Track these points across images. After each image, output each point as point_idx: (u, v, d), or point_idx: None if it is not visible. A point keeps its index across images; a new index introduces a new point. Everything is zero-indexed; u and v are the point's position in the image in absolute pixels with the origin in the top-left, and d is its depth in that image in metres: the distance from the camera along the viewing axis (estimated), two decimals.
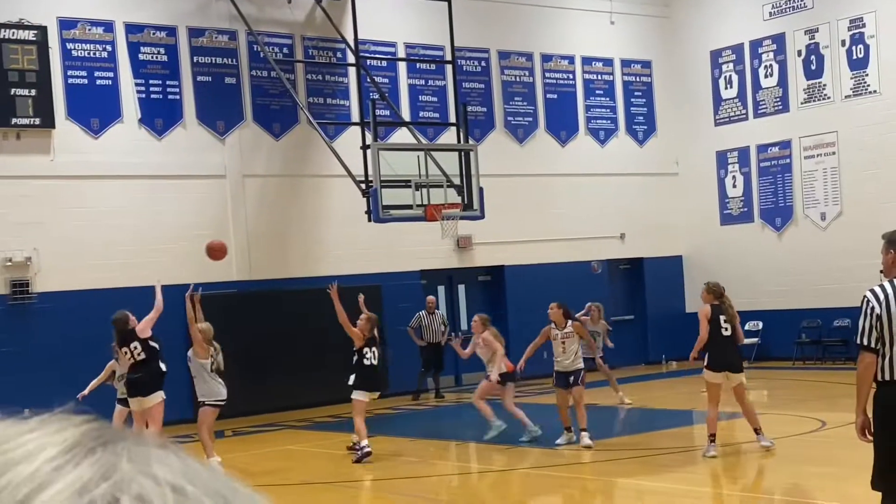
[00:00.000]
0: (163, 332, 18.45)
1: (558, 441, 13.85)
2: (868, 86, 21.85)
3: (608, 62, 24.57)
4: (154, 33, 19.00)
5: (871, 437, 6.62)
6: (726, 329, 12.42)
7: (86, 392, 13.35)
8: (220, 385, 12.88)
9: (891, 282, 6.58)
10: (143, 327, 12.61)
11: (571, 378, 13.69)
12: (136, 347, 12.51)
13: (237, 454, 15.20)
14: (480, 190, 18.18)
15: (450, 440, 15.81)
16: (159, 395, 12.53)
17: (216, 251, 13.86)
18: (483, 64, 22.74)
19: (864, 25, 21.86)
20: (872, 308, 6.48)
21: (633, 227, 24.49)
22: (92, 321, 17.92)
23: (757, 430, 12.44)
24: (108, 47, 18.55)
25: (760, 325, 23.42)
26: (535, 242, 23.01)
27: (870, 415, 6.63)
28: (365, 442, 13.41)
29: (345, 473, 13.43)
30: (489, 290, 22.92)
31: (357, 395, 13.69)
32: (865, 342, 6.51)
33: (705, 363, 12.49)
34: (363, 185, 17.62)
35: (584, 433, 13.51)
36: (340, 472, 13.56)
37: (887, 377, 6.49)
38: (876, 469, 6.61)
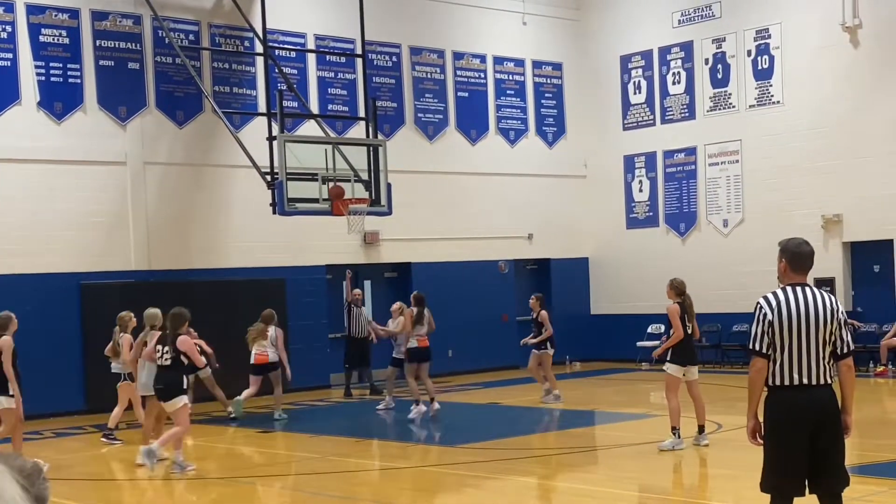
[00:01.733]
0: (61, 326, 18.03)
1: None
2: (772, 96, 22.20)
3: (520, 63, 24.60)
4: (56, 15, 18.47)
5: (761, 441, 6.70)
6: (689, 326, 12.92)
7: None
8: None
9: (783, 289, 6.66)
10: (191, 346, 12.58)
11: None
12: (167, 352, 12.47)
13: (132, 447, 14.83)
14: (388, 186, 18.04)
15: (350, 437, 15.61)
16: (182, 400, 12.49)
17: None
18: (394, 59, 22.58)
19: (769, 36, 22.21)
20: (765, 314, 6.57)
21: (540, 228, 24.56)
22: None
23: (701, 428, 12.73)
24: (8, 28, 17.98)
25: (662, 327, 23.60)
26: (442, 240, 22.93)
27: (761, 419, 6.71)
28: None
29: (243, 469, 13.18)
30: (396, 287, 22.76)
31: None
32: (757, 347, 6.60)
33: (668, 358, 12.85)
34: (269, 177, 17.34)
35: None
36: (239, 466, 13.30)
37: (778, 382, 6.58)
38: (765, 472, 6.70)
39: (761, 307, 6.61)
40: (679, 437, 12.64)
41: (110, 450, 14.81)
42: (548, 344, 17.60)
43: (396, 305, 17.42)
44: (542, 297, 18.14)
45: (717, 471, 11.70)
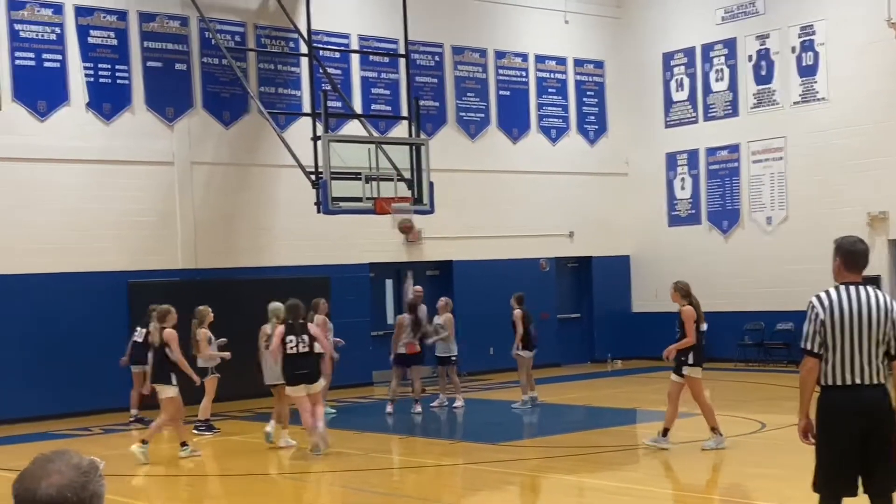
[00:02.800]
0: (109, 323, 18.33)
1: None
2: (816, 93, 22.09)
3: (561, 61, 24.64)
4: (104, 17, 18.75)
5: (813, 441, 6.70)
6: (701, 327, 13.01)
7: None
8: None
9: (837, 288, 6.64)
10: (318, 333, 13.76)
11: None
12: (304, 339, 13.33)
13: (178, 443, 15.05)
14: (431, 184, 18.16)
15: (395, 434, 15.76)
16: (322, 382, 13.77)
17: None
18: (437, 58, 22.70)
19: (814, 33, 22.10)
20: (817, 314, 6.55)
21: (581, 226, 24.60)
22: (32, 305, 17.71)
23: (714, 429, 12.72)
24: (57, 29, 18.28)
25: (705, 326, 23.48)
26: (484, 238, 23.04)
27: (813, 418, 6.70)
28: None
29: (292, 465, 13.36)
30: (437, 285, 22.87)
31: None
32: (809, 347, 6.58)
33: (690, 362, 12.81)
34: (313, 177, 17.51)
35: None
36: (289, 464, 13.47)
37: (830, 382, 6.57)
38: (818, 472, 6.69)
39: (813, 306, 6.58)
40: (721, 434, 12.68)
41: (168, 446, 15.02)
42: (519, 345, 17.35)
43: (443, 301, 17.65)
44: (522, 295, 17.76)
45: (760, 470, 11.71)
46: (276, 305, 14.23)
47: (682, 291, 12.98)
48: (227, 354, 15.44)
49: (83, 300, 18.16)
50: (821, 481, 6.67)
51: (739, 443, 13.10)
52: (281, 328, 13.50)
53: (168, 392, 13.43)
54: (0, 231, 17.47)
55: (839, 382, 6.52)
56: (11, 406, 17.29)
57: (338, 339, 16.03)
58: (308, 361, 13.31)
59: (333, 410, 17.15)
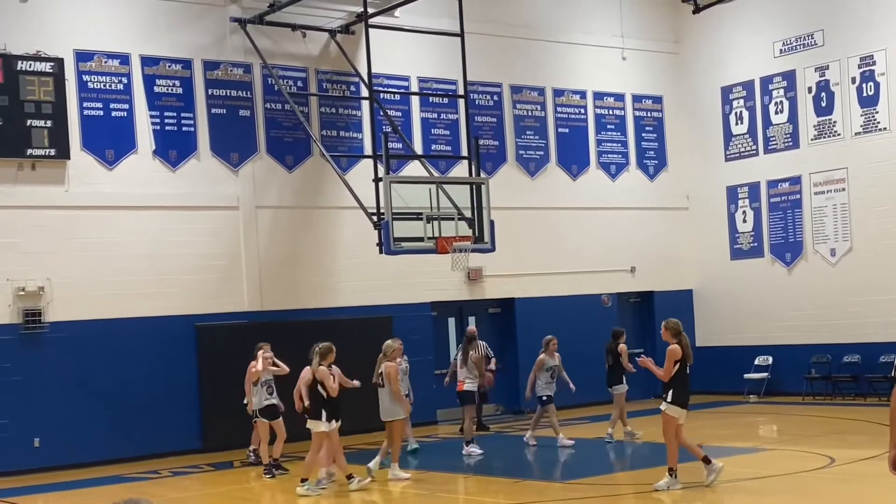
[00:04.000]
0: (177, 366, 18.63)
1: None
2: (878, 123, 21.94)
3: (619, 97, 24.73)
4: (169, 66, 19.20)
5: None
6: (687, 368, 12.92)
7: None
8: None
9: None
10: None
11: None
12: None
13: (245, 485, 15.24)
14: (491, 223, 18.27)
15: (459, 473, 15.79)
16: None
17: None
18: (495, 98, 22.90)
19: (874, 63, 21.98)
20: None
21: (643, 261, 24.57)
22: (103, 350, 18.06)
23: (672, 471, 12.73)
24: (124, 79, 18.74)
25: (770, 359, 23.42)
26: (545, 275, 23.10)
27: None
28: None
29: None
30: (499, 323, 22.97)
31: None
32: None
33: (669, 399, 12.76)
34: (375, 218, 17.72)
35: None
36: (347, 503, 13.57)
37: None
38: None
39: None
40: (676, 477, 12.61)
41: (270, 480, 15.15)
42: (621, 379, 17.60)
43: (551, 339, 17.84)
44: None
45: None
46: (389, 342, 14.90)
47: (673, 330, 13.05)
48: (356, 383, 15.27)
49: (152, 344, 18.48)
50: None
51: (808, 479, 12.97)
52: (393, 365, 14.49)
53: (319, 427, 13.85)
54: (70, 277, 17.86)
55: None
56: (83, 450, 17.61)
57: (354, 382, 15.52)
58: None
59: (416, 445, 17.34)
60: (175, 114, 19.19)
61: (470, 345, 17.74)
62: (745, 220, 24.39)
